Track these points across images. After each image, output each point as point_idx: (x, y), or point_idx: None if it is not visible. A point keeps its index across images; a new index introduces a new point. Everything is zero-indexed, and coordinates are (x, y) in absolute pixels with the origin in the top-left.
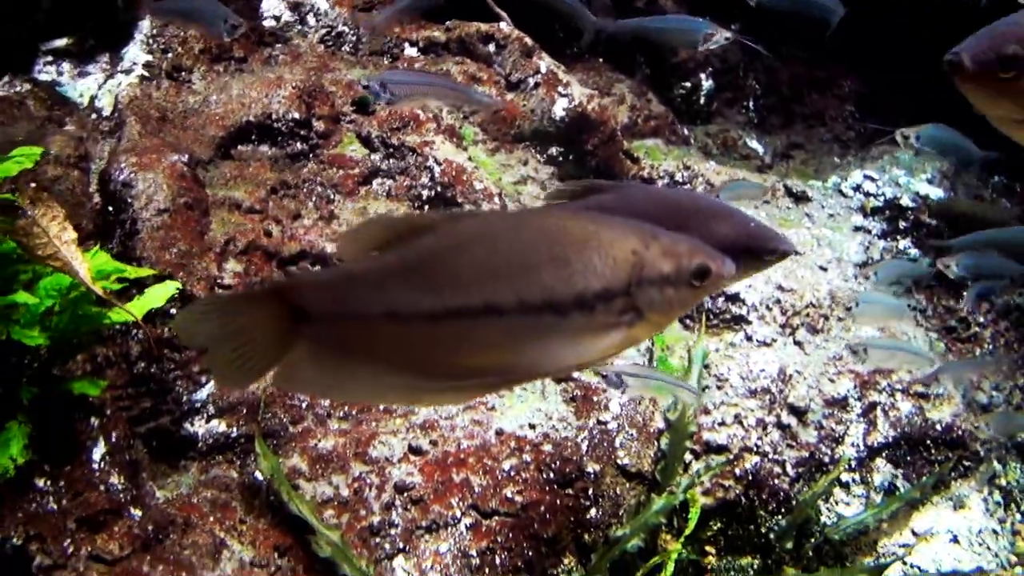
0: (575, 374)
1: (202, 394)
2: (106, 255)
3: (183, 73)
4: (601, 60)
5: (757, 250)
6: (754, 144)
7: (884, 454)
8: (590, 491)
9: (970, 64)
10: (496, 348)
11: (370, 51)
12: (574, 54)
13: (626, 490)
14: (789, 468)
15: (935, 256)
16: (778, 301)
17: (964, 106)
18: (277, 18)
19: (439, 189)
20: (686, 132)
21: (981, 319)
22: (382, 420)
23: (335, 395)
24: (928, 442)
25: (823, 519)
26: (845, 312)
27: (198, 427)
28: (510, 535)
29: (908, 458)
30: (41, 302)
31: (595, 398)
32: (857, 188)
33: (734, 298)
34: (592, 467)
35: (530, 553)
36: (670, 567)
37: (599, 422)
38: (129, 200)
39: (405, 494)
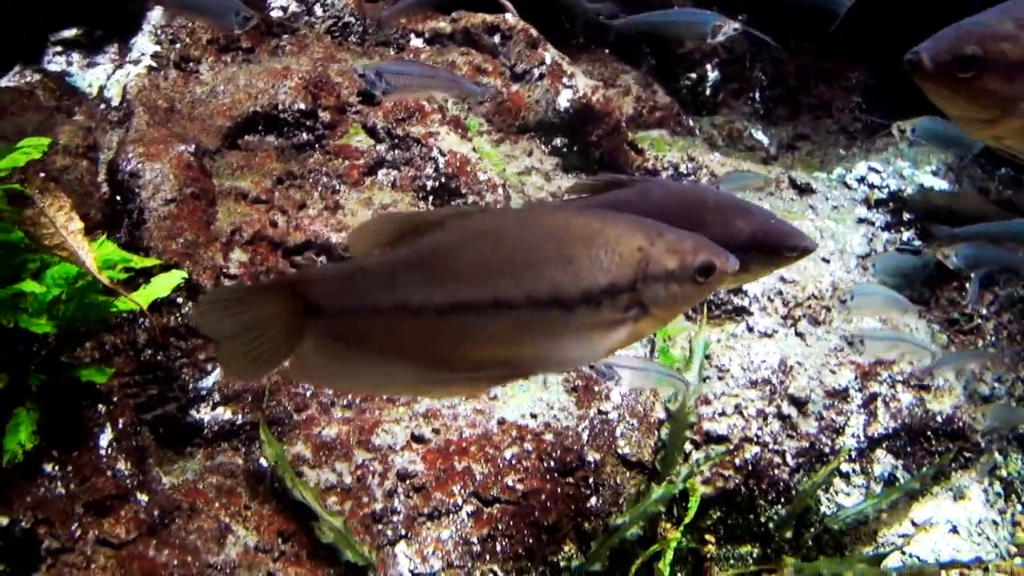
0: None
1: (208, 382)
2: (113, 245)
3: (191, 63)
4: (607, 51)
5: (777, 247)
6: (759, 135)
7: (884, 445)
8: (590, 480)
9: (929, 64)
10: (504, 342)
11: (376, 42)
12: (580, 45)
13: (626, 479)
14: (789, 458)
15: (937, 247)
16: (780, 292)
17: None
18: (284, 8)
19: (443, 180)
20: (691, 123)
21: (984, 311)
22: (385, 408)
23: (345, 386)
24: (929, 433)
25: (823, 509)
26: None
27: (204, 414)
28: (511, 522)
29: (908, 449)
30: (48, 291)
31: (596, 388)
32: (861, 180)
33: (736, 289)
34: (593, 456)
35: (531, 540)
36: (669, 555)
37: (600, 412)
38: (136, 190)
39: (407, 481)
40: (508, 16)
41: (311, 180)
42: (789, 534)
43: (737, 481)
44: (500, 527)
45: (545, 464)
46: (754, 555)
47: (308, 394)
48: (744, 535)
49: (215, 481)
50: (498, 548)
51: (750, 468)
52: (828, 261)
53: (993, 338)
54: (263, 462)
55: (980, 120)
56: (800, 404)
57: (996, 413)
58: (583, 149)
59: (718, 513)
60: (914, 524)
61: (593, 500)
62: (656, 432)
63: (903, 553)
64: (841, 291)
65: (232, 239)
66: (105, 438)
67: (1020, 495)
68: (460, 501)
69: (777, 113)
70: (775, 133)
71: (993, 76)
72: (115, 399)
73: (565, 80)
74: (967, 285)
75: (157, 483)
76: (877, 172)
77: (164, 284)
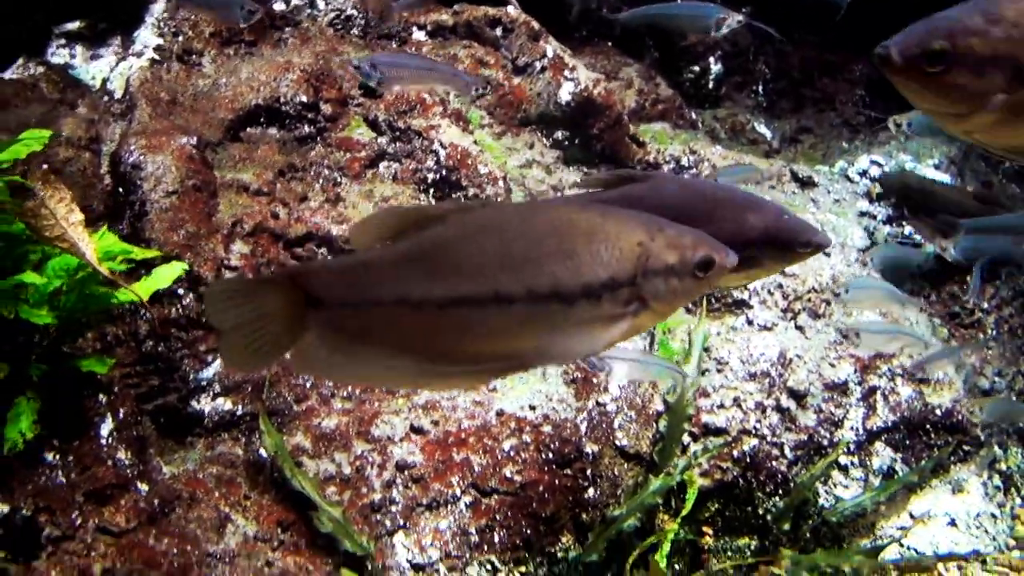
0: None
1: (208, 372)
2: (114, 236)
3: (193, 56)
4: (610, 44)
5: (790, 242)
6: (762, 129)
7: (883, 438)
8: (588, 471)
9: (897, 58)
10: (505, 335)
11: (379, 35)
12: (583, 37)
13: (624, 471)
14: (787, 451)
15: (941, 238)
16: (780, 286)
17: None
18: (287, 1)
19: (444, 173)
20: (694, 116)
21: (985, 305)
22: (385, 400)
23: (346, 378)
24: (928, 426)
25: (821, 501)
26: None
27: (204, 405)
28: (509, 513)
29: (907, 442)
30: (49, 282)
31: (595, 380)
32: (863, 173)
33: None
34: (591, 448)
35: (528, 531)
36: (666, 547)
37: (598, 404)
38: (138, 182)
39: (406, 472)
40: (510, 9)
41: (312, 172)
42: (787, 526)
43: (735, 473)
44: (498, 518)
45: (543, 455)
46: (752, 547)
47: (308, 385)
48: (742, 527)
49: (215, 471)
50: (496, 539)
51: (748, 460)
52: (829, 255)
53: (994, 332)
54: (263, 452)
55: (950, 114)
56: (799, 397)
57: (993, 408)
58: (584, 142)
59: (716, 505)
60: (912, 517)
61: (591, 491)
62: (654, 424)
63: (901, 546)
64: (842, 285)
65: (233, 231)
66: (106, 428)
67: (1020, 488)
68: (458, 492)
69: (780, 106)
70: (778, 126)
71: (962, 71)
72: (116, 389)
73: (566, 73)
74: (968, 279)
75: (157, 472)
76: (879, 166)
77: (164, 276)
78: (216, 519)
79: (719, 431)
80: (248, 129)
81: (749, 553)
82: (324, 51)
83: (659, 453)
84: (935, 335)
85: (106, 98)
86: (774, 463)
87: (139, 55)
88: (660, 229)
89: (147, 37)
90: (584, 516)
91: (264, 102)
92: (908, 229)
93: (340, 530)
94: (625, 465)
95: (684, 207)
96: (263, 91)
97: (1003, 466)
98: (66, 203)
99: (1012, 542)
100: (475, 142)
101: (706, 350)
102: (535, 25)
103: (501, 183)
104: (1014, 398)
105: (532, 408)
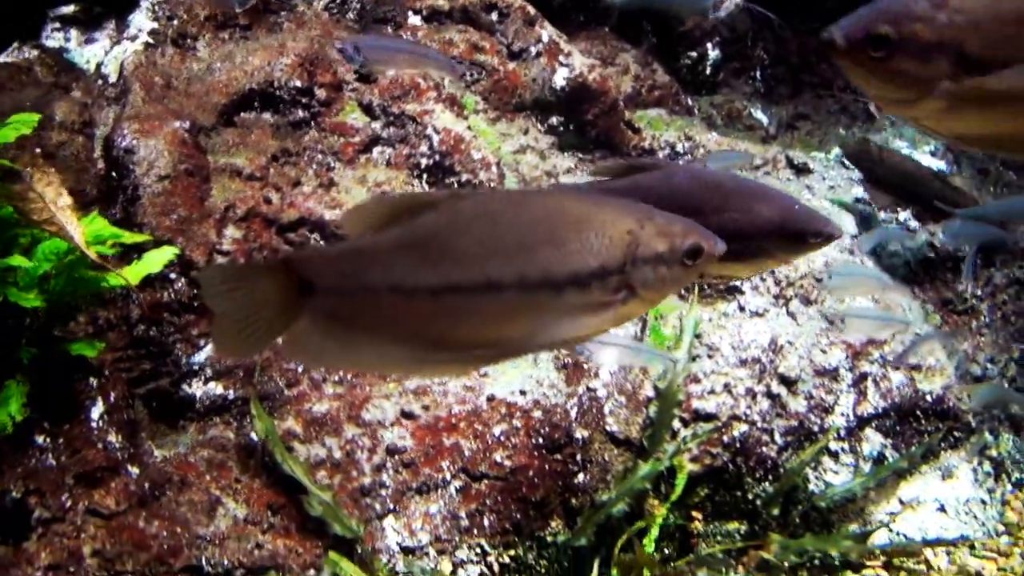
0: None
1: (200, 357)
2: (104, 220)
3: (188, 40)
4: (607, 29)
5: (801, 233)
6: (759, 115)
7: (874, 424)
8: (578, 456)
9: (841, 41)
10: (495, 322)
11: (374, 19)
12: (580, 23)
13: (614, 456)
14: (777, 436)
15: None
16: (772, 272)
17: None
18: None
19: (437, 158)
20: (691, 103)
21: (979, 292)
22: (376, 385)
23: (338, 364)
24: (918, 413)
25: (811, 487)
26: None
27: (196, 389)
28: (499, 498)
29: (898, 428)
30: (39, 265)
31: (585, 366)
32: None
33: None
34: (581, 433)
35: (518, 515)
36: (655, 531)
37: (589, 389)
38: (131, 166)
39: (396, 457)
40: None
41: (306, 157)
42: (776, 511)
43: (725, 459)
44: (488, 502)
45: (533, 441)
46: (741, 532)
47: (299, 370)
48: (731, 512)
49: (206, 455)
50: (485, 523)
51: (738, 446)
52: None
53: (987, 319)
54: (254, 436)
55: (897, 100)
56: (790, 383)
57: (982, 394)
58: (579, 128)
59: (705, 490)
60: (902, 503)
61: (581, 476)
62: (644, 410)
63: (890, 531)
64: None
65: (226, 216)
66: (96, 411)
67: (1010, 475)
68: (448, 476)
69: (778, 92)
70: (775, 112)
71: (906, 57)
72: (107, 373)
73: (562, 58)
74: (961, 265)
75: (148, 456)
76: None
77: (155, 260)
78: (207, 502)
79: (709, 417)
80: (242, 114)
81: (738, 538)
82: (319, 35)
83: (649, 438)
84: (928, 321)
85: (100, 82)
86: (764, 449)
87: (133, 39)
88: (650, 217)
89: (141, 21)
90: (574, 501)
91: (258, 86)
92: (903, 215)
93: (330, 513)
94: (615, 450)
95: (694, 197)
96: (257, 75)
97: (994, 452)
98: (55, 186)
99: (1001, 528)
100: (469, 127)
101: (697, 336)
102: (531, 10)
103: (495, 169)
104: (1006, 385)
105: (523, 393)
